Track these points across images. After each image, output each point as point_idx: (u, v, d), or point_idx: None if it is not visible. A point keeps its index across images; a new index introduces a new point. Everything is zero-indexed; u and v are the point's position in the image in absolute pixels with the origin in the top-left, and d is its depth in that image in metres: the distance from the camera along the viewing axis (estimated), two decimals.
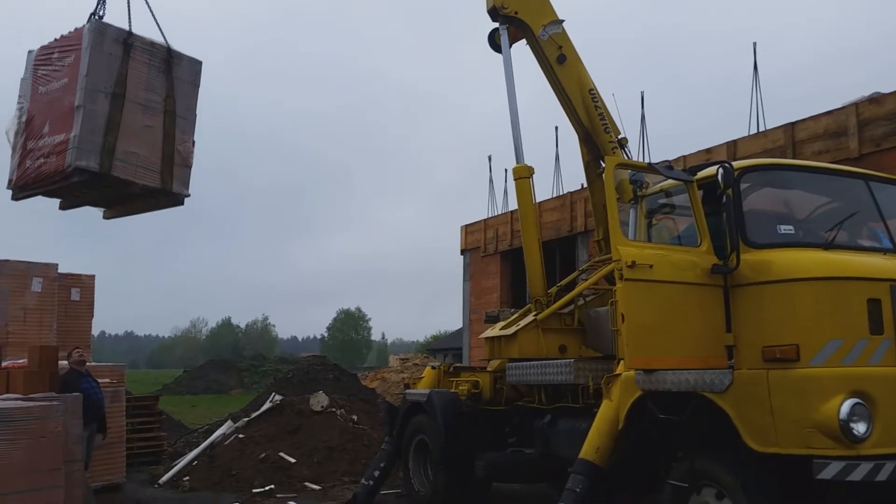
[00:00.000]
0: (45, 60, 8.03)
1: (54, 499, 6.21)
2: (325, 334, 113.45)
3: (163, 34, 8.17)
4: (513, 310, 10.69)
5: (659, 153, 21.51)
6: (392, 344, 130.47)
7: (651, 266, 5.48)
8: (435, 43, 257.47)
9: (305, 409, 12.56)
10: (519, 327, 8.32)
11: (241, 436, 12.05)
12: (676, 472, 5.51)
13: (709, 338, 5.45)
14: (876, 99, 11.03)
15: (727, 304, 5.48)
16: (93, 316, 12.64)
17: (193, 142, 8.42)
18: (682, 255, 5.72)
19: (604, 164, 7.71)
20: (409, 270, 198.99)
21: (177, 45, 8.30)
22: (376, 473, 9.31)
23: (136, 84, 7.84)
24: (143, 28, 8.05)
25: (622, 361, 6.03)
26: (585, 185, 9.82)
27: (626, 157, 8.78)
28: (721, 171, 5.51)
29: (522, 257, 8.96)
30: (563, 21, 9.06)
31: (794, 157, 11.31)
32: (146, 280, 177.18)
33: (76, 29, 7.80)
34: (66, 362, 9.06)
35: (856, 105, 11.18)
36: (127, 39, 7.78)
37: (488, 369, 9.11)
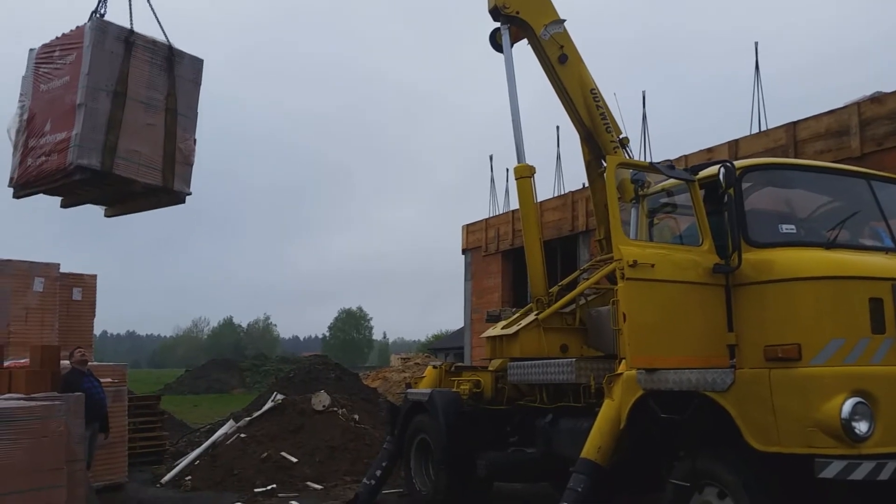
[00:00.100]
0: (47, 58, 8.04)
1: (56, 498, 6.21)
2: (327, 334, 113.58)
3: (164, 32, 8.19)
4: (514, 309, 10.69)
5: (660, 152, 21.51)
6: (393, 343, 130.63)
7: (653, 265, 5.48)
8: (435, 43, 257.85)
9: (307, 408, 12.57)
10: (520, 327, 8.32)
11: (242, 435, 12.06)
12: (678, 472, 5.51)
13: (710, 337, 5.44)
14: (878, 98, 11.02)
15: (729, 303, 5.48)
16: (94, 315, 12.64)
17: (195, 140, 8.43)
18: (684, 254, 5.72)
19: (605, 164, 7.70)
20: (411, 270, 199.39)
21: (177, 45, 8.32)
22: (378, 473, 9.32)
23: (138, 82, 7.84)
24: (144, 26, 8.07)
25: (624, 361, 6.02)
26: (587, 185, 9.81)
27: (627, 157, 8.77)
28: (723, 170, 5.50)
29: (524, 257, 8.96)
30: (564, 21, 9.06)
31: (795, 157, 11.30)
32: (148, 280, 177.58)
33: (78, 27, 7.80)
34: (67, 362, 9.07)
35: (857, 104, 11.16)
36: (128, 37, 7.78)
37: (490, 369, 9.11)
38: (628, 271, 5.44)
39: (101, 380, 9.52)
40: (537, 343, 8.14)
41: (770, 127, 12.78)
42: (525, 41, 9.22)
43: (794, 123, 11.95)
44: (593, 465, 6.09)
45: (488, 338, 8.98)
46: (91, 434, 8.52)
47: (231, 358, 58.49)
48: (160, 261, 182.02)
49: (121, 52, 7.72)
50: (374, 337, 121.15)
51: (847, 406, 4.61)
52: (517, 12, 8.94)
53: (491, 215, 20.57)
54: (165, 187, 8.12)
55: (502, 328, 8.73)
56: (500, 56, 9.25)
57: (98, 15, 7.76)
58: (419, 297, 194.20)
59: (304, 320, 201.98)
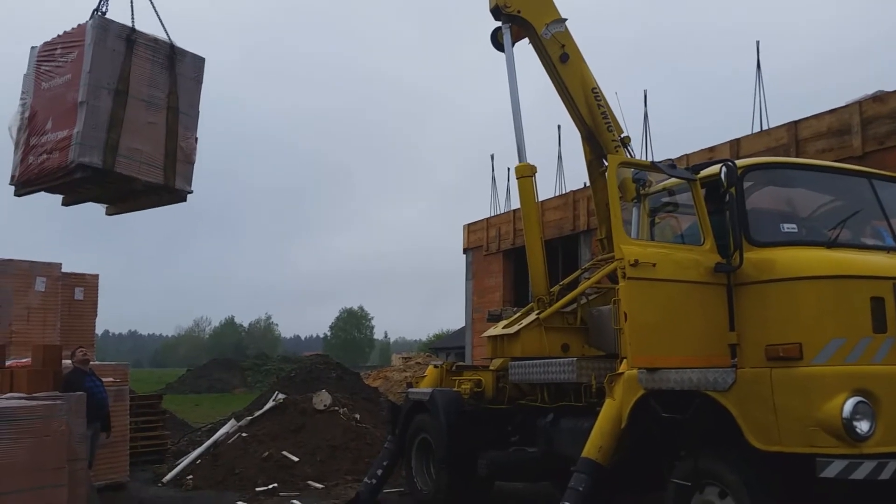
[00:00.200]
0: (48, 56, 8.04)
1: (58, 498, 6.22)
2: (328, 333, 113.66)
3: (165, 31, 8.20)
4: (515, 308, 10.69)
5: (662, 151, 21.50)
6: (394, 343, 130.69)
7: (654, 265, 5.47)
8: (436, 42, 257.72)
9: (308, 407, 12.57)
10: (521, 326, 8.32)
11: (244, 434, 12.07)
12: (679, 471, 5.51)
13: (712, 336, 5.44)
14: (879, 97, 11.01)
15: (730, 302, 5.47)
16: (96, 315, 12.66)
17: (196, 138, 8.43)
18: (685, 253, 5.71)
19: (606, 163, 7.70)
20: (412, 269, 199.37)
21: (178, 45, 8.31)
22: (379, 472, 9.32)
23: (140, 80, 7.84)
24: (146, 25, 8.08)
25: (625, 360, 6.02)
26: (588, 184, 9.82)
27: (628, 156, 8.77)
28: (724, 169, 5.50)
29: (525, 256, 8.96)
30: (565, 19, 9.05)
31: (797, 156, 11.29)
32: (150, 279, 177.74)
33: (79, 25, 7.81)
34: (69, 361, 9.08)
35: (859, 103, 11.15)
36: (130, 36, 7.79)
37: (491, 368, 9.11)
38: (629, 270, 5.43)
39: (103, 379, 9.52)
40: (538, 342, 8.14)
41: (772, 126, 12.78)
42: (526, 40, 9.22)
43: (796, 122, 11.94)
44: (594, 465, 6.08)
45: (489, 337, 8.98)
46: (93, 433, 8.52)
47: (232, 357, 58.56)
48: (162, 260, 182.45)
49: (122, 51, 7.72)
50: (376, 336, 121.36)
51: (848, 405, 4.61)
52: (518, 11, 8.94)
53: (492, 214, 20.58)
54: (167, 185, 8.13)
55: (503, 327, 8.73)
56: (502, 55, 9.25)
57: (100, 13, 7.76)
58: (420, 296, 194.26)
59: (305, 320, 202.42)
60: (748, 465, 5.06)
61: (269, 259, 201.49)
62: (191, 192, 8.45)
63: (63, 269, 11.87)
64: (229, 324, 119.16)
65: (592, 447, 6.15)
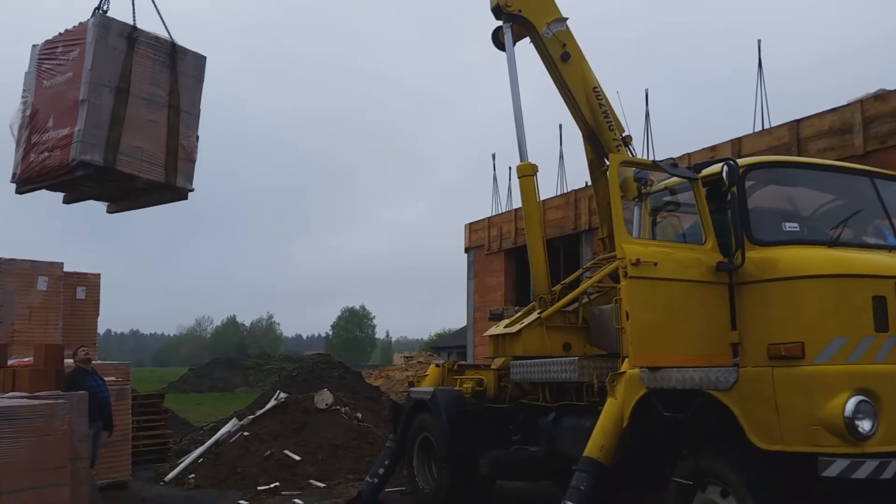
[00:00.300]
0: (50, 55, 8.05)
1: (60, 497, 6.22)
2: (330, 332, 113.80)
3: (167, 29, 8.21)
4: (517, 308, 10.69)
5: (663, 150, 21.48)
6: (396, 342, 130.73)
7: (655, 264, 5.46)
8: (436, 42, 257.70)
9: (310, 406, 12.58)
10: (523, 325, 8.32)
11: (246, 434, 12.08)
12: (681, 470, 5.50)
13: (713, 335, 5.44)
14: (881, 96, 11.00)
15: (732, 301, 5.46)
16: (98, 314, 12.68)
17: (197, 136, 8.44)
18: (687, 252, 5.71)
19: (608, 162, 7.69)
20: (413, 269, 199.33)
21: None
22: (381, 471, 9.32)
23: (141, 78, 7.85)
24: (147, 24, 8.08)
25: (626, 359, 6.01)
26: (589, 183, 9.81)
27: (630, 155, 8.77)
28: (726, 168, 5.50)
29: (526, 255, 8.96)
30: (566, 19, 9.05)
31: (799, 155, 11.28)
32: (152, 279, 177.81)
33: (80, 23, 7.81)
34: (71, 360, 9.09)
35: (861, 102, 11.14)
36: (131, 34, 7.79)
37: (492, 367, 9.11)
38: (631, 270, 5.43)
39: (105, 378, 9.53)
40: (540, 341, 8.14)
41: (773, 125, 12.77)
42: (527, 39, 9.21)
43: (798, 121, 11.93)
44: (596, 464, 6.08)
45: (491, 336, 8.98)
46: (95, 432, 8.52)
47: (234, 356, 58.65)
48: (164, 260, 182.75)
49: (123, 49, 7.73)
50: (377, 335, 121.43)
51: (850, 404, 4.60)
52: (519, 10, 8.93)
53: (493, 214, 20.59)
54: (168, 183, 8.13)
55: (505, 327, 8.73)
56: (503, 55, 9.25)
57: (101, 11, 7.76)
58: (422, 295, 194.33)
59: (307, 319, 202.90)
60: (750, 464, 5.06)
61: (271, 258, 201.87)
62: (192, 190, 8.46)
63: (65, 269, 11.90)
64: (231, 323, 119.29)
65: (594, 446, 6.15)
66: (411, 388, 9.85)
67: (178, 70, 8.21)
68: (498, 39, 9.38)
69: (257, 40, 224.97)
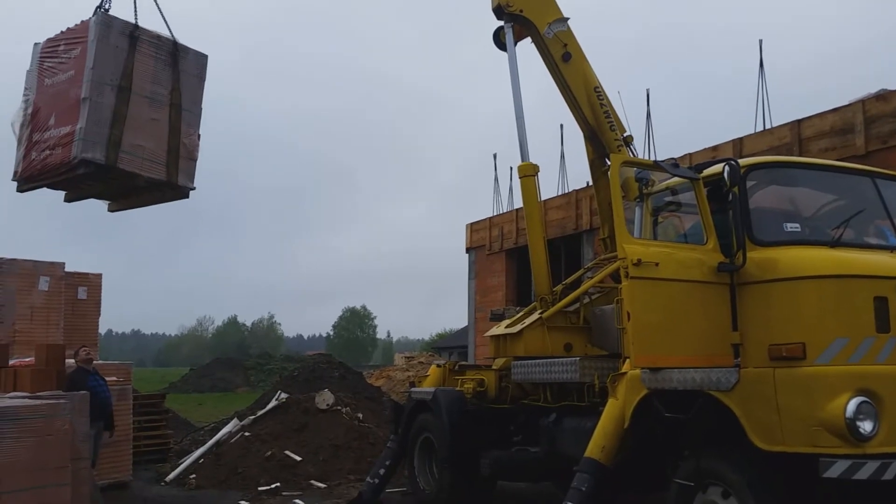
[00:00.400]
0: (51, 53, 8.06)
1: (61, 497, 6.22)
2: (331, 332, 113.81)
3: (168, 28, 8.22)
4: (518, 308, 10.69)
5: (665, 151, 21.47)
6: (397, 342, 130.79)
7: (657, 264, 5.46)
8: (437, 42, 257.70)
9: (311, 407, 12.58)
10: (524, 325, 8.32)
11: (247, 434, 12.08)
12: (682, 471, 5.50)
13: (715, 336, 5.43)
14: (883, 96, 10.99)
15: (733, 302, 5.46)
16: (100, 314, 12.69)
17: (199, 135, 8.46)
18: (688, 252, 5.70)
19: (609, 162, 7.69)
20: (414, 269, 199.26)
21: None
22: (382, 472, 9.32)
23: (143, 77, 7.86)
24: (148, 23, 8.09)
25: (628, 360, 6.01)
26: (591, 183, 9.80)
27: (631, 155, 8.76)
28: (727, 168, 5.49)
29: (528, 255, 8.95)
30: (568, 19, 9.05)
31: (800, 155, 11.27)
32: (153, 279, 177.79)
33: (82, 21, 7.83)
34: (73, 361, 9.09)
35: (862, 102, 11.13)
36: (133, 32, 7.81)
37: (494, 367, 9.11)
38: (632, 270, 5.42)
39: (106, 378, 9.53)
40: (541, 342, 8.14)
41: (775, 125, 12.77)
42: (529, 39, 9.21)
43: (799, 121, 11.93)
44: (597, 465, 6.08)
45: (492, 336, 8.97)
46: (96, 432, 8.52)
47: (235, 357, 58.65)
48: (163, 260, 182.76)
49: (125, 47, 7.74)
50: (378, 336, 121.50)
51: (851, 405, 4.59)
52: (521, 11, 8.93)
53: (495, 214, 20.58)
54: (169, 182, 8.15)
55: (506, 327, 8.73)
56: (504, 55, 9.26)
57: (103, 10, 7.77)
58: (423, 295, 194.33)
59: (308, 319, 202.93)
60: (751, 465, 5.05)
61: (272, 259, 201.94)
62: (193, 188, 8.47)
63: (66, 269, 11.91)
64: (232, 323, 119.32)
65: (595, 447, 6.15)
66: (412, 389, 9.85)
67: (180, 68, 8.22)
68: (499, 40, 9.38)
69: (257, 40, 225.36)
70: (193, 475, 11.08)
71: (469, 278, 21.13)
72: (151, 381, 41.60)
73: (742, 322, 5.40)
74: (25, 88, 8.33)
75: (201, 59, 8.52)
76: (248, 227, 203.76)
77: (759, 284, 5.33)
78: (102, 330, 14.91)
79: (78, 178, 7.89)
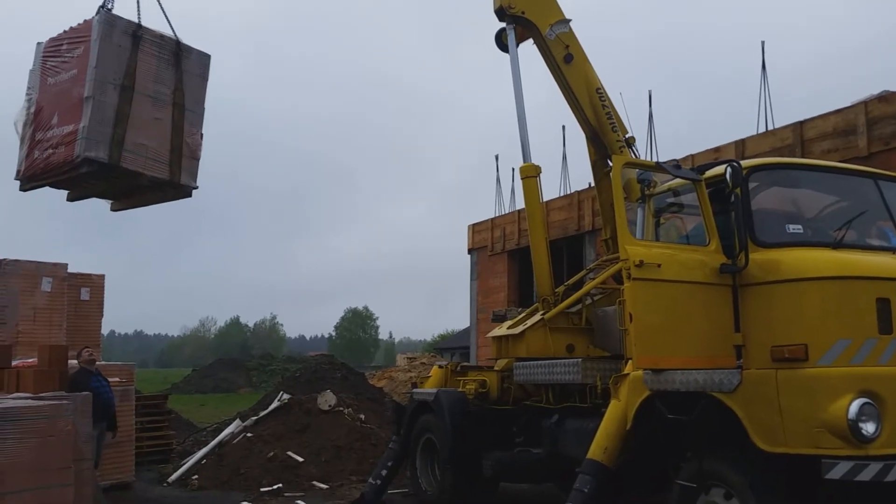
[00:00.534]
0: (54, 52, 8.08)
1: (64, 497, 6.23)
2: (333, 333, 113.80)
3: (171, 27, 8.25)
4: (520, 309, 10.69)
5: (667, 152, 21.46)
6: (399, 343, 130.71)
7: (659, 265, 5.46)
8: (438, 42, 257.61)
9: (313, 408, 12.58)
10: (526, 326, 8.31)
11: (249, 435, 12.09)
12: (685, 472, 5.50)
13: (717, 337, 5.43)
14: (885, 97, 10.98)
15: (736, 303, 5.46)
16: (102, 315, 12.69)
17: (202, 134, 8.48)
18: (691, 254, 5.70)
19: (611, 163, 7.69)
20: (416, 270, 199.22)
21: None
22: (384, 472, 9.32)
23: (146, 76, 7.89)
24: (150, 22, 8.11)
25: (630, 361, 6.01)
26: (593, 184, 9.81)
27: (633, 156, 8.75)
28: (729, 169, 5.49)
29: (530, 256, 8.95)
30: (570, 20, 9.04)
31: (802, 156, 11.27)
32: (155, 279, 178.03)
33: (85, 20, 7.85)
34: (75, 361, 9.10)
35: (864, 103, 11.13)
36: (136, 31, 7.83)
37: (496, 368, 9.11)
38: (634, 271, 5.43)
39: (109, 379, 9.55)
40: (543, 343, 8.13)
41: (777, 126, 12.76)
42: (531, 41, 9.21)
43: (801, 123, 11.92)
44: (599, 466, 6.08)
45: (494, 337, 8.97)
46: (98, 433, 8.53)
47: (238, 357, 58.68)
48: (164, 260, 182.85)
49: (128, 46, 7.76)
50: (380, 336, 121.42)
51: (854, 407, 4.59)
52: (523, 12, 8.93)
53: (497, 215, 20.59)
54: (172, 181, 8.17)
55: (508, 328, 8.72)
56: (505, 55, 9.25)
57: (105, 9, 7.79)
58: (425, 296, 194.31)
59: (310, 320, 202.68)
60: (753, 466, 5.05)
61: (273, 259, 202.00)
62: (196, 187, 8.49)
63: (69, 270, 11.91)
64: (234, 324, 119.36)
65: (597, 448, 6.15)
66: (414, 390, 9.85)
67: (183, 68, 8.25)
68: (501, 41, 9.38)
69: (258, 41, 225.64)
70: (196, 476, 11.09)
71: (471, 279, 21.13)
72: (154, 382, 41.68)
73: (744, 323, 5.40)
74: (28, 87, 8.34)
75: (204, 59, 8.54)
76: (249, 227, 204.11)
77: (762, 286, 5.33)
78: (105, 331, 14.90)
79: (81, 177, 7.91)
